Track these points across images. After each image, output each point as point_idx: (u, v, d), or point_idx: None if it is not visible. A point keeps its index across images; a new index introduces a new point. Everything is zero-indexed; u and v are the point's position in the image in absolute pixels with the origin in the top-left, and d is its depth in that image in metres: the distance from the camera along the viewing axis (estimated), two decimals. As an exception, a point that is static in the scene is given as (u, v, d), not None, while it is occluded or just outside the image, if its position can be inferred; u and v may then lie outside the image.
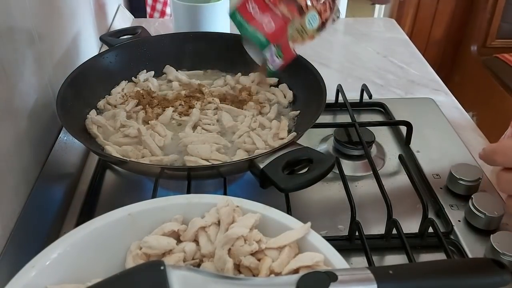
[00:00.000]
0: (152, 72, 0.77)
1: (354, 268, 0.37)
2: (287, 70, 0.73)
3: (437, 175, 0.68)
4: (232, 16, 0.59)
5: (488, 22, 2.05)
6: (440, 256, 0.55)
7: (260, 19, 0.57)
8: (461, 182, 0.63)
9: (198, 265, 0.42)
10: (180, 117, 0.67)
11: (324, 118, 0.79)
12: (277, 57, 0.59)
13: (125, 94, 0.71)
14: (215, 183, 0.65)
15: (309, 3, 0.56)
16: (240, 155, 0.61)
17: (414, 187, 0.60)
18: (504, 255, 0.53)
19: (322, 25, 0.58)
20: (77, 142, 0.57)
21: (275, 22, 0.57)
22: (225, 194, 0.58)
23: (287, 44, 0.58)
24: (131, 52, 0.76)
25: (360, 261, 0.55)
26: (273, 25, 0.57)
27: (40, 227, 0.56)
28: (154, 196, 0.55)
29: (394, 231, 0.55)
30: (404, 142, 0.74)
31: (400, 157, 0.68)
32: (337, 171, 0.63)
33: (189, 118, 0.66)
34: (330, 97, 0.73)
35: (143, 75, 0.76)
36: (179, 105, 0.69)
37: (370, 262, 0.52)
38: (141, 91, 0.72)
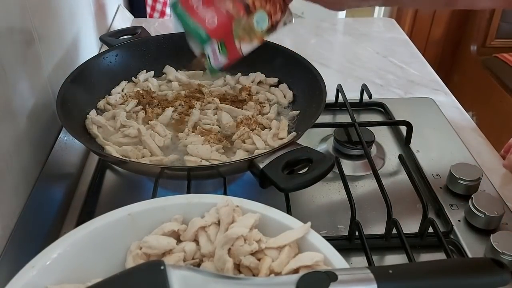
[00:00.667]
0: (152, 72, 0.77)
1: (354, 268, 0.37)
2: (287, 70, 0.74)
3: (437, 175, 0.68)
4: (173, 7, 0.56)
5: (487, 22, 2.05)
6: (440, 256, 0.55)
7: (203, 13, 0.54)
8: (461, 181, 0.63)
9: (198, 265, 0.42)
10: (180, 117, 0.67)
11: (324, 118, 0.79)
12: (220, 54, 0.56)
13: (125, 94, 0.71)
14: (215, 183, 0.65)
15: (257, 3, 0.53)
16: (240, 155, 0.61)
17: (414, 187, 0.60)
18: (504, 255, 0.53)
19: (272, 27, 0.55)
20: (77, 142, 0.57)
21: (219, 18, 0.54)
22: (225, 194, 0.58)
23: (232, 42, 0.55)
24: (131, 52, 0.76)
25: (360, 261, 0.55)
26: (216, 21, 0.54)
27: (40, 227, 0.56)
28: (154, 196, 0.55)
29: (394, 231, 0.55)
30: (404, 142, 0.74)
31: (400, 157, 0.68)
32: (337, 171, 0.63)
33: (189, 118, 0.66)
34: (330, 97, 0.73)
35: (143, 75, 0.76)
36: (179, 105, 0.69)
37: (370, 262, 0.52)
38: (141, 91, 0.72)
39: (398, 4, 0.51)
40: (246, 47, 0.56)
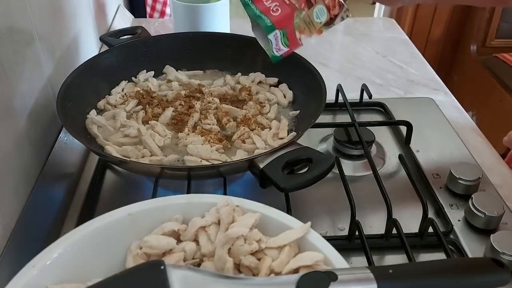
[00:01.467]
0: (152, 72, 0.77)
1: (354, 268, 0.37)
2: (287, 70, 0.74)
3: (437, 175, 0.68)
4: None
5: (487, 22, 2.05)
6: (440, 255, 0.55)
7: (268, 3, 0.58)
8: (461, 181, 0.63)
9: (198, 265, 0.42)
10: (180, 117, 0.67)
11: (324, 118, 0.80)
12: (282, 44, 0.60)
13: (125, 94, 0.71)
14: (215, 183, 0.65)
15: None
16: (240, 155, 0.61)
17: (414, 186, 0.60)
18: (504, 255, 0.53)
19: (331, 21, 0.58)
20: (77, 142, 0.57)
21: (282, 8, 0.58)
22: (225, 194, 0.58)
23: (293, 33, 0.59)
24: (131, 52, 0.76)
25: (360, 260, 0.55)
26: (280, 11, 0.58)
27: (40, 227, 0.56)
28: (154, 196, 0.56)
29: (394, 231, 0.55)
30: (404, 142, 0.74)
31: (400, 157, 0.68)
32: (337, 171, 0.63)
33: (189, 118, 0.67)
34: (330, 97, 0.73)
35: (143, 75, 0.76)
36: (179, 105, 0.69)
37: (370, 261, 0.52)
38: (141, 91, 0.72)
39: (452, 1, 0.54)
40: (305, 39, 0.60)
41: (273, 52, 0.61)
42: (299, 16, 0.57)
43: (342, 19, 0.59)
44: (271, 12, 0.58)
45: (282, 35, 0.59)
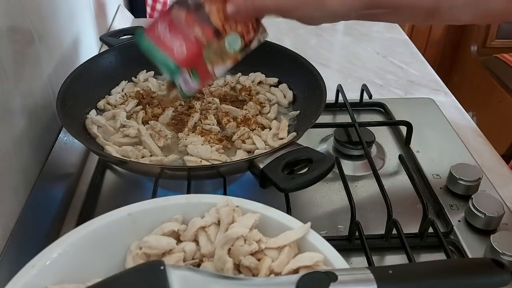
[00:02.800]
0: (152, 72, 0.77)
1: (354, 268, 0.37)
2: (287, 70, 0.74)
3: (437, 175, 0.68)
4: (139, 40, 0.52)
5: (487, 22, 2.05)
6: (440, 256, 0.55)
7: (171, 43, 0.51)
8: (461, 182, 0.63)
9: (198, 265, 0.42)
10: (180, 117, 0.67)
11: (324, 118, 0.79)
12: (192, 80, 0.52)
13: (125, 94, 0.71)
14: (215, 183, 0.65)
15: (227, 27, 0.50)
16: (240, 155, 0.61)
17: (414, 187, 0.60)
18: (504, 255, 0.53)
19: (246, 46, 0.53)
20: (77, 142, 0.57)
21: (188, 46, 0.50)
22: (225, 194, 0.58)
23: (205, 67, 0.52)
24: (131, 52, 0.76)
25: (360, 261, 0.55)
26: (185, 49, 0.50)
27: (40, 227, 0.56)
28: (154, 196, 0.56)
29: (394, 231, 0.55)
30: (404, 142, 0.74)
31: (400, 157, 0.68)
32: (337, 171, 0.63)
33: (189, 118, 0.66)
34: (330, 97, 0.73)
35: (143, 75, 0.76)
36: (179, 105, 0.69)
37: (370, 262, 0.52)
38: (141, 91, 0.72)
39: (374, 19, 0.50)
40: (219, 69, 0.54)
41: (184, 91, 0.54)
42: (209, 50, 0.51)
43: (260, 42, 0.54)
44: (175, 53, 0.50)
45: (192, 73, 0.52)
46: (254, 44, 0.54)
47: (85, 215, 0.60)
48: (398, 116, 0.80)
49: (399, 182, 0.68)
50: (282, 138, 0.64)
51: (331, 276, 0.35)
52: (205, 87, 0.53)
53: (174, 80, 0.52)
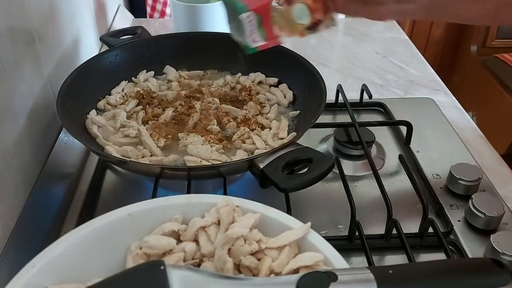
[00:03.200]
0: (152, 72, 0.77)
1: (354, 268, 0.37)
2: (287, 70, 0.74)
3: (437, 175, 0.68)
4: None
5: (487, 22, 2.05)
6: (440, 256, 0.55)
7: None
8: (461, 182, 0.63)
9: (198, 265, 0.42)
10: (180, 117, 0.67)
11: (324, 118, 0.79)
12: (258, 34, 0.54)
13: (125, 94, 0.71)
14: (215, 183, 0.65)
15: None
16: (240, 155, 0.61)
17: (414, 187, 0.60)
18: (504, 255, 0.53)
19: (315, 26, 0.54)
20: (77, 142, 0.57)
21: None
22: (225, 194, 0.58)
23: (270, 25, 0.54)
24: (131, 52, 0.76)
25: (360, 261, 0.55)
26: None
27: (40, 227, 0.56)
28: (154, 196, 0.56)
29: (394, 231, 0.55)
30: (404, 142, 0.74)
31: (400, 157, 0.68)
32: (337, 171, 0.63)
33: (189, 118, 0.66)
34: (330, 97, 0.73)
35: (143, 75, 0.76)
36: (179, 105, 0.69)
37: (370, 262, 0.52)
38: (141, 91, 0.72)
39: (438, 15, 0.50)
40: (284, 36, 0.56)
41: (248, 41, 0.55)
42: (277, 10, 0.53)
43: (327, 27, 0.54)
44: None
45: (258, 23, 0.53)
46: (322, 27, 0.54)
47: (85, 215, 0.60)
48: (398, 116, 0.80)
49: (399, 182, 0.68)
50: (282, 138, 0.64)
51: (331, 276, 0.35)
52: (266, 46, 0.56)
53: (240, 19, 0.53)
